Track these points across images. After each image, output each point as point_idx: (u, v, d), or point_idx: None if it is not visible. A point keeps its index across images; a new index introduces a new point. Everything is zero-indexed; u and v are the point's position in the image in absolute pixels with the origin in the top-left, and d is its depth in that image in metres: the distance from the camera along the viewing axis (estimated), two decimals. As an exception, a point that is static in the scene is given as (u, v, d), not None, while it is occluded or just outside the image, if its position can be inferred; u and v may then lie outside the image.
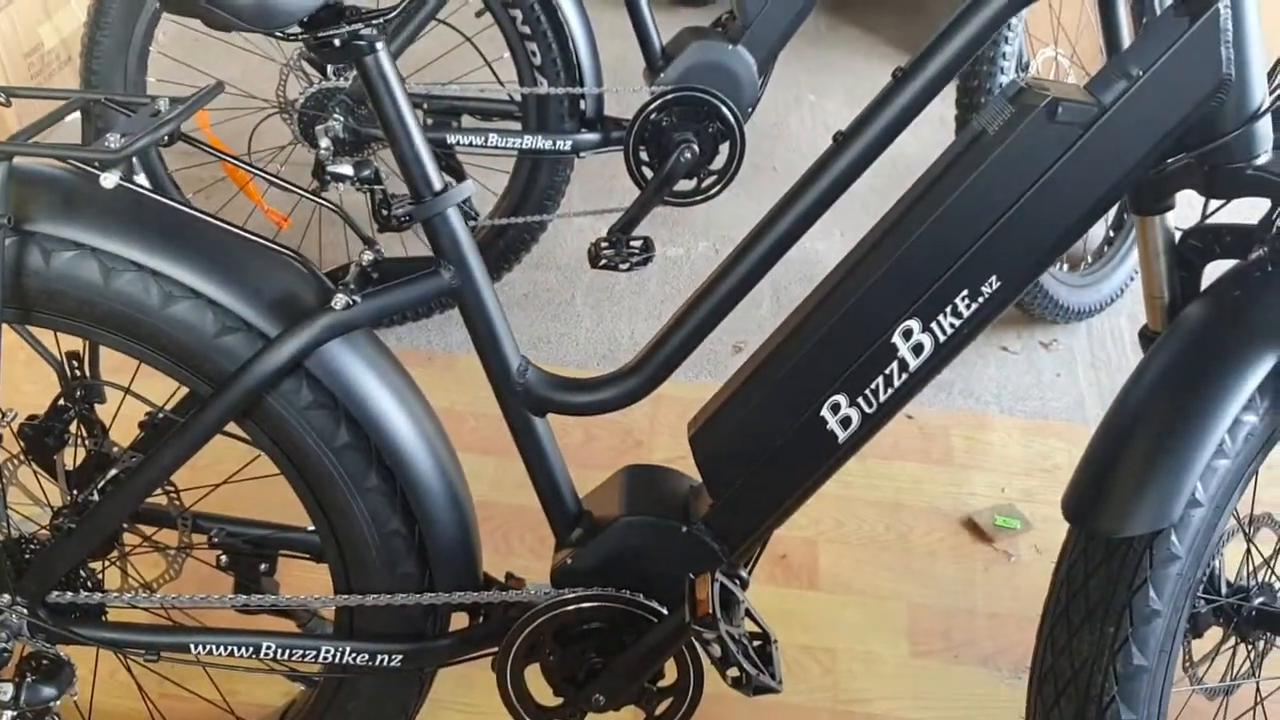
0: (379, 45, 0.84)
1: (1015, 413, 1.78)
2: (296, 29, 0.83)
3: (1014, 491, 1.63)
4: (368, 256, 0.91)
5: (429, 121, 1.73)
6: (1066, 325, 1.94)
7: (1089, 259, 1.98)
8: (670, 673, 0.99)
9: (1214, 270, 0.93)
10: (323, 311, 0.87)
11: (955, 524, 1.57)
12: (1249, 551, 1.04)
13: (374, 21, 0.83)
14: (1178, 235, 0.96)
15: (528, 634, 0.96)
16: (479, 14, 1.68)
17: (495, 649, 0.99)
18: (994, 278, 0.87)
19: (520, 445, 0.95)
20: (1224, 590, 1.01)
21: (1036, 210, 0.85)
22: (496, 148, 1.67)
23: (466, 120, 1.74)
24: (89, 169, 0.82)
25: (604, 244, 1.68)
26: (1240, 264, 0.91)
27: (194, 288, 0.87)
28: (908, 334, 0.89)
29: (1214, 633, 1.03)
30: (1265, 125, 0.85)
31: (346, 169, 1.66)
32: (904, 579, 1.48)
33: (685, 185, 1.70)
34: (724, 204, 1.77)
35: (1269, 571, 1.05)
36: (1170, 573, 0.84)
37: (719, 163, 1.69)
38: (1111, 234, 1.99)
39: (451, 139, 1.66)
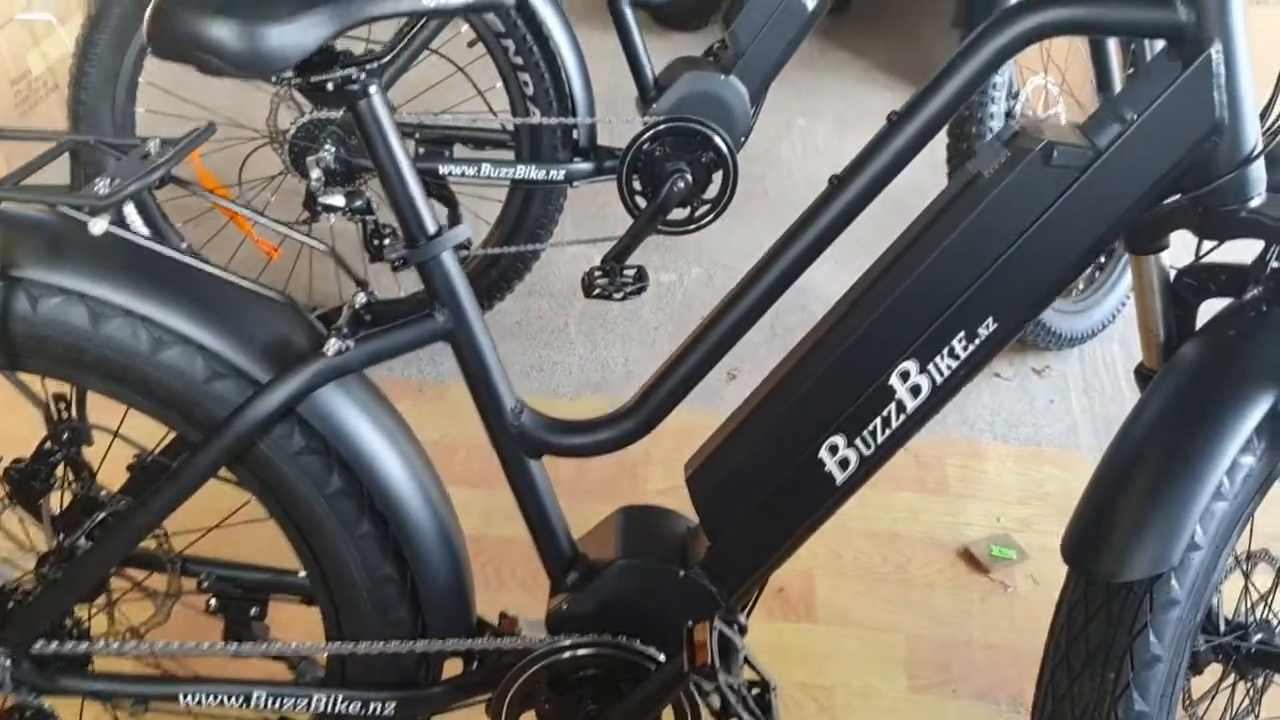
0: (372, 89, 0.84)
1: (1009, 440, 1.78)
2: (289, 73, 0.82)
3: (1009, 521, 1.62)
4: (360, 299, 0.90)
5: (421, 151, 1.73)
6: (1059, 351, 1.95)
7: (1080, 285, 1.99)
8: None
9: (1209, 307, 0.94)
10: (315, 357, 0.86)
11: (952, 554, 1.56)
12: (1246, 588, 1.03)
13: (367, 66, 0.83)
14: (1172, 273, 0.96)
15: (523, 681, 0.95)
16: (471, 44, 1.68)
17: (490, 696, 0.97)
18: (990, 319, 0.87)
19: (514, 487, 0.94)
20: (1222, 628, 1.01)
21: (1032, 253, 0.85)
22: (489, 178, 1.67)
23: (459, 150, 1.74)
24: (77, 215, 0.81)
25: (598, 273, 1.68)
26: (1235, 303, 0.91)
27: (183, 333, 0.85)
28: (905, 375, 0.89)
29: (1213, 669, 1.03)
30: (1259, 168, 0.85)
31: (338, 200, 1.65)
32: (901, 611, 1.48)
33: (678, 214, 1.70)
34: (716, 229, 1.77)
35: (1266, 608, 1.04)
36: (1170, 617, 0.84)
37: (712, 192, 1.70)
38: (1103, 260, 2.00)
39: (444, 169, 1.66)
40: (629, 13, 1.66)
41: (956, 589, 1.51)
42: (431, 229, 0.88)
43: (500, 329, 1.94)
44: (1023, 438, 1.78)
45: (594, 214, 2.21)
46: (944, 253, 0.86)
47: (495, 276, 1.82)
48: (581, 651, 0.94)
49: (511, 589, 1.48)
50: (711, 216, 1.72)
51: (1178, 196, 0.87)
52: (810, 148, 2.53)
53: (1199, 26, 0.80)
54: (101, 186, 0.81)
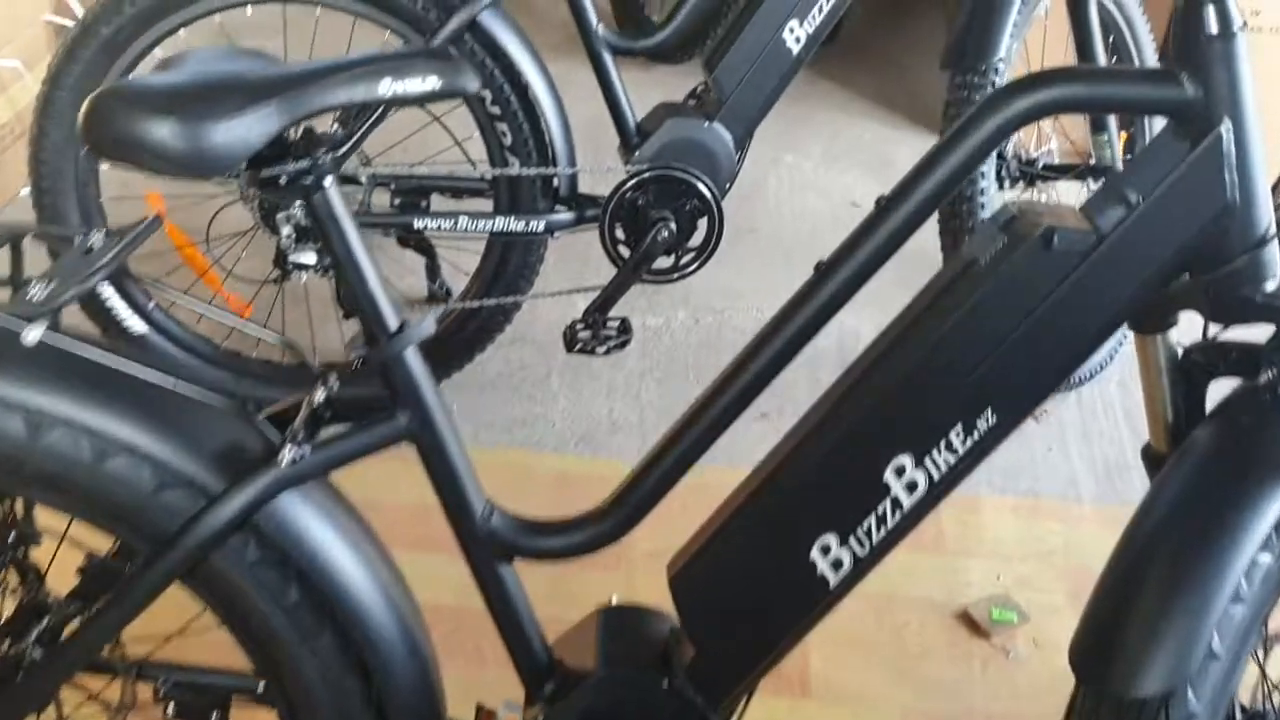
0: (327, 182, 0.78)
1: (1007, 491, 1.73)
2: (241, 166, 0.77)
3: (1009, 579, 1.57)
4: (319, 395, 0.85)
5: (397, 202, 1.68)
6: (1055, 395, 1.90)
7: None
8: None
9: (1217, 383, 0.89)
10: (269, 466, 0.80)
11: (950, 618, 1.51)
12: (1263, 676, 0.98)
13: (320, 159, 0.77)
14: (1180, 350, 0.91)
15: (498, 801, 0.89)
16: (447, 94, 1.63)
17: (464, 812, 0.92)
18: (990, 411, 0.83)
19: (485, 593, 0.89)
20: (1238, 718, 0.96)
21: (1031, 342, 0.81)
22: (467, 231, 1.61)
23: (436, 200, 1.68)
24: (10, 321, 0.76)
25: (580, 326, 1.63)
26: (1248, 386, 0.87)
27: (129, 443, 0.80)
28: (900, 471, 0.84)
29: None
30: (1272, 250, 0.80)
31: (309, 257, 1.59)
32: (899, 682, 1.42)
33: (663, 263, 1.65)
34: (703, 271, 1.71)
35: (1284, 696, 0.99)
36: (1188, 732, 0.79)
37: (697, 239, 1.65)
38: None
39: (419, 223, 1.60)
40: (609, 60, 1.61)
41: (955, 656, 1.46)
42: (393, 325, 0.82)
43: (480, 380, 1.89)
44: (1021, 489, 1.73)
45: (578, 253, 2.16)
46: (940, 342, 0.81)
47: (474, 330, 1.76)
48: (560, 769, 0.88)
49: (490, 665, 1.41)
50: (697, 265, 1.67)
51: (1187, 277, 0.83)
52: (797, 184, 2.48)
53: (1207, 104, 0.76)
54: (37, 292, 0.76)
